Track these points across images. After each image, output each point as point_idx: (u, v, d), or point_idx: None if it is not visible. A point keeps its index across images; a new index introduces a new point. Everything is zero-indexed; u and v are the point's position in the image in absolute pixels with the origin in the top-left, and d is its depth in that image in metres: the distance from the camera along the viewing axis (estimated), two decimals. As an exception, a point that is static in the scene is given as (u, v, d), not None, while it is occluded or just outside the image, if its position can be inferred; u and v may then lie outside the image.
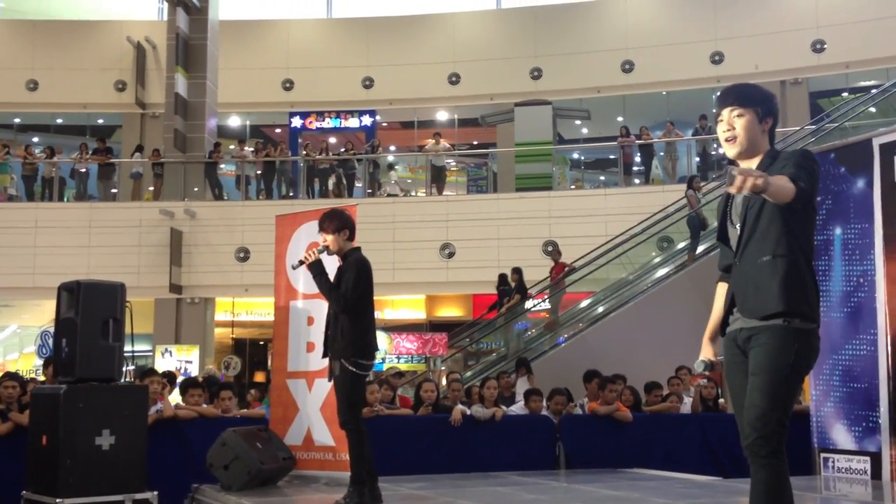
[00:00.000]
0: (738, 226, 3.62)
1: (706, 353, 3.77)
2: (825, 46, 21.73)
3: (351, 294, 5.91)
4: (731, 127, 3.60)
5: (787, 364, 3.42)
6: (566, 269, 15.53)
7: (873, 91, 17.63)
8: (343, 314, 5.95)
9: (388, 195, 20.97)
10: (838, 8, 21.75)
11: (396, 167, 23.00)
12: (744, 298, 3.56)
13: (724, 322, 3.71)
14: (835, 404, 7.99)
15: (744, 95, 3.63)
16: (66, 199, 21.24)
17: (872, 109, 16.45)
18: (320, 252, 6.05)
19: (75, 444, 6.32)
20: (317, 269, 6.03)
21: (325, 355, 6.15)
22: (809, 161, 3.46)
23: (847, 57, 21.61)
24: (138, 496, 6.45)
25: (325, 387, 7.03)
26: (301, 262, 6.11)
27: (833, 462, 8.00)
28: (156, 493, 6.57)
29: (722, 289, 3.79)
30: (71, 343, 6.60)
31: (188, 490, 7.23)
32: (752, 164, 3.60)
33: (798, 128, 17.42)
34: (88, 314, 6.59)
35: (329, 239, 6.04)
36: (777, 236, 3.47)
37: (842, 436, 7.93)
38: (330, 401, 6.87)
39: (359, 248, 6.16)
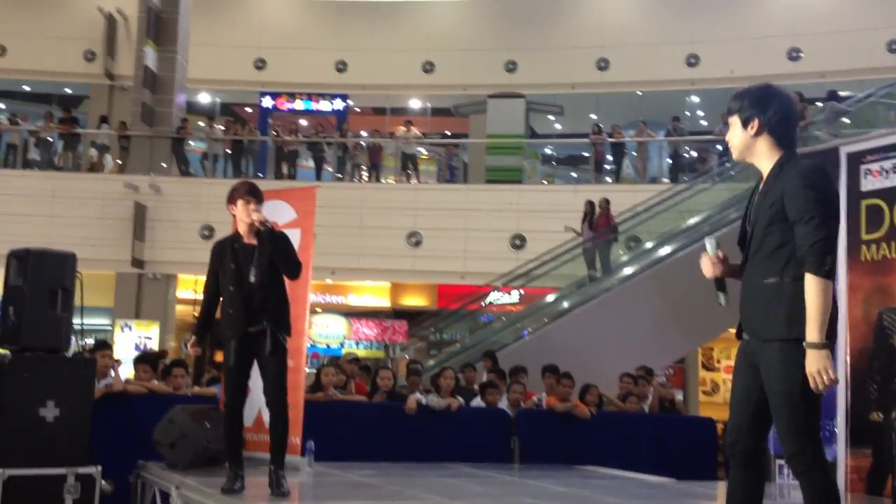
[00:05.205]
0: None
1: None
2: (801, 55, 21.82)
3: None
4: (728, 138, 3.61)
5: (797, 381, 3.35)
6: None
7: (847, 101, 17.68)
8: (291, 280, 5.77)
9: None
10: (815, 17, 21.83)
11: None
12: (746, 317, 3.48)
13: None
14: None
15: (732, 104, 3.58)
16: (28, 167, 20.88)
17: (846, 120, 16.48)
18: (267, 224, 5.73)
19: (18, 414, 6.14)
20: (283, 234, 5.84)
21: (254, 322, 5.65)
22: (815, 189, 3.33)
23: (822, 66, 21.68)
24: (81, 470, 6.28)
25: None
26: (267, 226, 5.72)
27: (788, 469, 7.98)
28: (99, 467, 6.39)
29: None
30: (17, 311, 6.42)
31: (134, 466, 7.09)
32: (763, 169, 3.51)
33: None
34: (37, 283, 6.41)
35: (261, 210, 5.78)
36: (787, 258, 3.37)
37: (798, 443, 7.91)
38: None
39: None
